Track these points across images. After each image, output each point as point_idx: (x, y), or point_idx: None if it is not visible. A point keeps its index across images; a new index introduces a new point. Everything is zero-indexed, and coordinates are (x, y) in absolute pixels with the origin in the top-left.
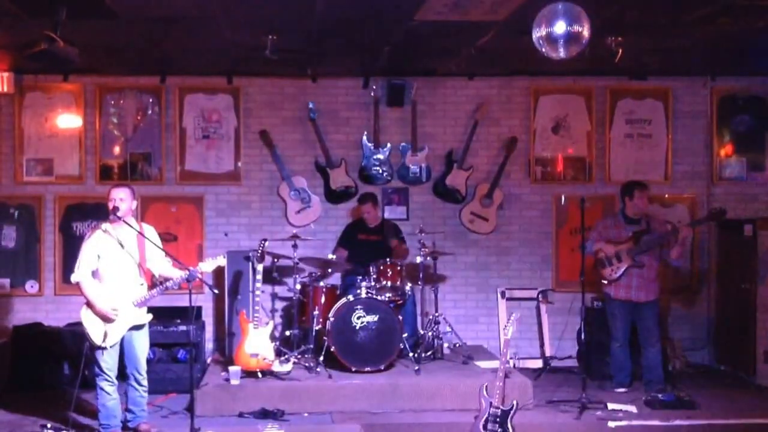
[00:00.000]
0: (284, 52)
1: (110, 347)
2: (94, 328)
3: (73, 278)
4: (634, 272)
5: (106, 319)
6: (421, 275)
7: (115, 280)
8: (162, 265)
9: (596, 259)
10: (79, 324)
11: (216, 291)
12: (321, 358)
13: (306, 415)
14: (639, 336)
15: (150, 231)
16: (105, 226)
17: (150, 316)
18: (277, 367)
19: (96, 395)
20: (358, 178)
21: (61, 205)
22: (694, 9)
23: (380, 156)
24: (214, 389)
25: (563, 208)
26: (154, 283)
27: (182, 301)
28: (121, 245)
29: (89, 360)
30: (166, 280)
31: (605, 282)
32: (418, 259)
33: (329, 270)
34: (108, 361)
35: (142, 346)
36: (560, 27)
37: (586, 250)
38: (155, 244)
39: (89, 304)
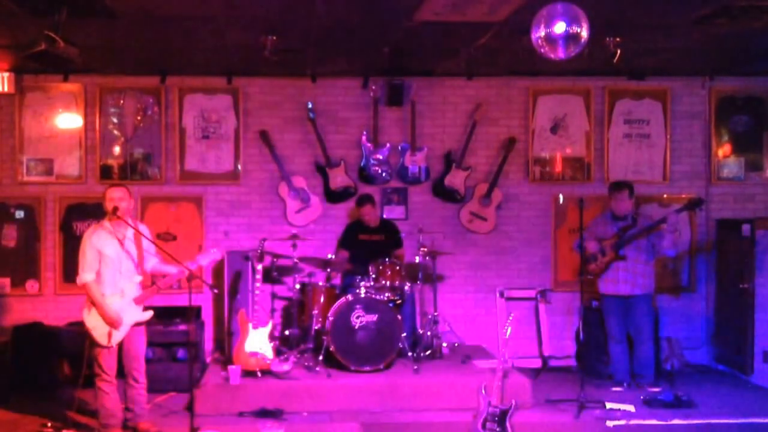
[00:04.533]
0: (284, 53)
1: (113, 346)
2: (98, 329)
3: (80, 280)
4: (620, 266)
5: (111, 324)
6: (420, 275)
7: (114, 278)
8: (157, 264)
9: (584, 256)
10: (80, 323)
11: (215, 290)
12: (320, 358)
13: (305, 414)
14: (630, 331)
15: (145, 231)
16: (105, 224)
17: (150, 314)
18: (276, 366)
19: (95, 395)
20: (358, 178)
21: (61, 205)
22: (692, 9)
23: (379, 156)
24: (214, 388)
25: (562, 208)
26: (152, 281)
27: (182, 301)
28: (121, 244)
29: (90, 359)
30: (163, 277)
31: (591, 277)
32: (417, 259)
33: (328, 270)
34: (108, 361)
35: (140, 344)
36: (559, 27)
37: (575, 247)
38: (153, 243)
39: (97, 306)
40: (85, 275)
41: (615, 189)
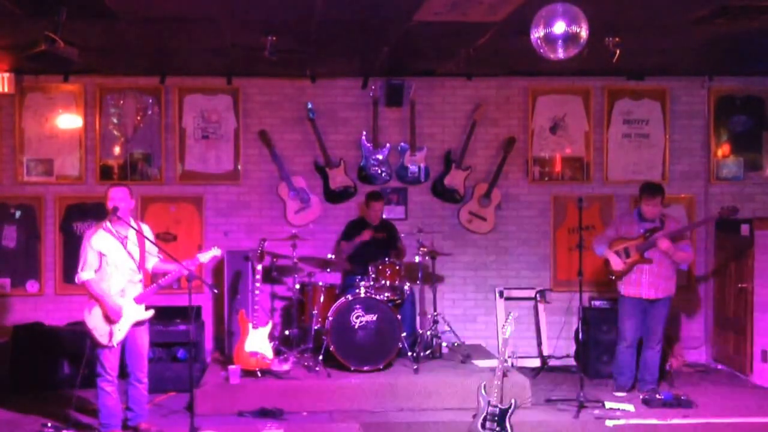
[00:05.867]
0: (283, 53)
1: (115, 346)
2: (99, 329)
3: (78, 279)
4: (645, 269)
5: (110, 319)
6: (419, 275)
7: (115, 278)
8: (159, 263)
9: (606, 264)
10: (80, 323)
11: (215, 290)
12: (320, 358)
13: (305, 414)
14: (643, 334)
15: (146, 230)
16: (106, 224)
17: (151, 312)
18: (276, 366)
19: (97, 394)
20: (357, 178)
21: (61, 205)
22: (691, 9)
23: (379, 156)
24: (214, 388)
25: (561, 207)
26: (152, 280)
27: (182, 301)
28: (122, 244)
29: (91, 359)
30: (164, 274)
31: (612, 277)
32: (417, 259)
33: (328, 269)
34: (110, 360)
35: (143, 343)
36: (558, 27)
37: (597, 252)
38: (153, 243)
39: (99, 303)
40: (84, 273)
41: (648, 193)
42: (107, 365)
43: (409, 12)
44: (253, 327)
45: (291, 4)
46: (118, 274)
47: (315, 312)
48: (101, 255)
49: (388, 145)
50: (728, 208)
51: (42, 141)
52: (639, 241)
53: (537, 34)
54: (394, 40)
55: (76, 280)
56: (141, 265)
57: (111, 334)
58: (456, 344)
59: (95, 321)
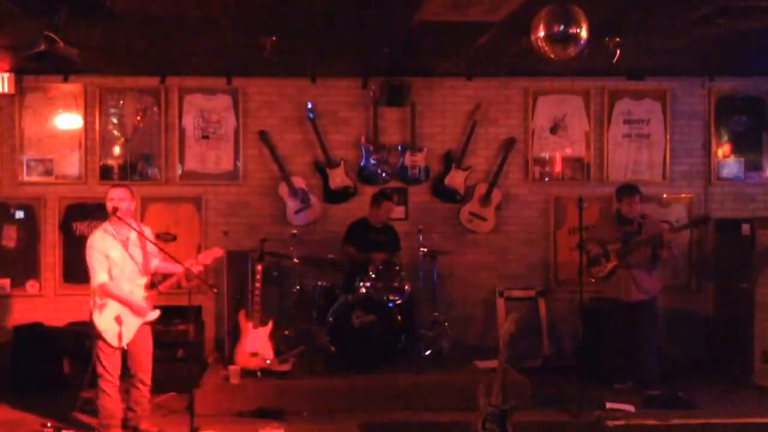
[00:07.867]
0: (283, 53)
1: (125, 347)
2: (110, 330)
3: (96, 282)
4: (623, 273)
5: (122, 319)
6: (419, 275)
7: (119, 280)
8: (160, 264)
9: (588, 258)
10: (80, 323)
11: (215, 290)
12: (320, 358)
13: (305, 414)
14: (635, 334)
15: (147, 231)
16: (106, 226)
17: (157, 313)
18: (276, 366)
19: (97, 395)
20: (357, 178)
21: (61, 205)
22: (692, 9)
23: (379, 156)
24: (214, 388)
25: (561, 208)
26: (153, 281)
27: (182, 301)
28: (124, 245)
29: (95, 360)
30: (164, 275)
31: (593, 280)
32: (417, 259)
33: (328, 269)
34: (112, 361)
35: (148, 344)
36: (558, 27)
37: None
38: (154, 244)
39: (124, 303)
40: (100, 276)
41: (626, 193)
42: (109, 366)
43: (409, 12)
44: (253, 327)
45: (292, 3)
46: (121, 275)
47: (315, 312)
48: (106, 257)
49: (388, 145)
50: (701, 217)
51: (42, 141)
52: (617, 246)
53: (537, 34)
54: (395, 39)
55: (94, 284)
56: (144, 266)
57: (120, 336)
58: (456, 345)
59: (106, 323)
